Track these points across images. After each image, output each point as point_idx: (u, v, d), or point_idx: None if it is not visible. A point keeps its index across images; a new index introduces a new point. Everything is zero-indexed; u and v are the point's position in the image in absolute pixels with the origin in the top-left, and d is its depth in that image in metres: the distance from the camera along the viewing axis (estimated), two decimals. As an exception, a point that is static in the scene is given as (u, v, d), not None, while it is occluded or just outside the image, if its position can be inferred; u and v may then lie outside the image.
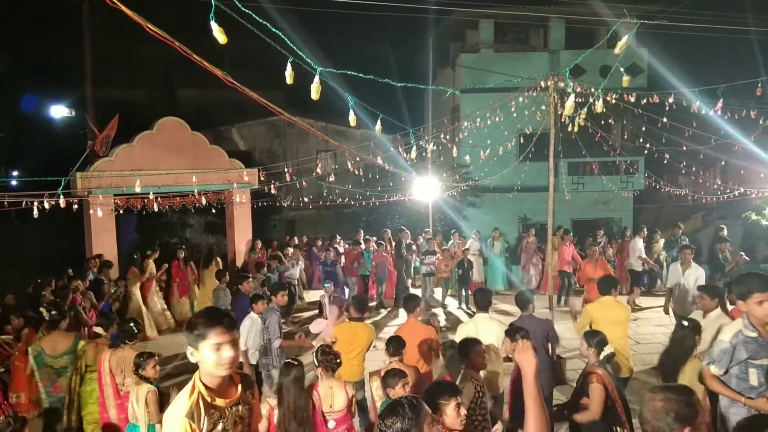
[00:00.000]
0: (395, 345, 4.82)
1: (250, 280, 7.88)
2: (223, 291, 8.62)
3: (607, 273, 9.20)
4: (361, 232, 13.32)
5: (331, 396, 4.23)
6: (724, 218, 16.94)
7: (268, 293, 7.08)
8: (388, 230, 13.81)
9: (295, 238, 12.98)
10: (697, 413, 2.21)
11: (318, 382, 4.36)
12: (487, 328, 5.40)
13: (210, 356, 2.33)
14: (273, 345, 6.45)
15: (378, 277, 12.15)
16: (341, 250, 12.87)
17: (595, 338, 4.33)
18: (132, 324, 5.38)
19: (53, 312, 5.93)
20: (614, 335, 5.14)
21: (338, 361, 4.38)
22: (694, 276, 7.66)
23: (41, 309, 6.64)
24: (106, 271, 9.79)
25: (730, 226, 15.31)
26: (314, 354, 4.45)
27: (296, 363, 4.22)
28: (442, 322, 11.00)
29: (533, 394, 2.36)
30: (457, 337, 5.36)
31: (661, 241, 12.98)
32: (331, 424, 4.20)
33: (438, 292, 12.59)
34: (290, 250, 12.21)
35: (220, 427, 2.38)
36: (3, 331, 7.12)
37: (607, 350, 4.28)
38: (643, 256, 12.10)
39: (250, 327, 6.41)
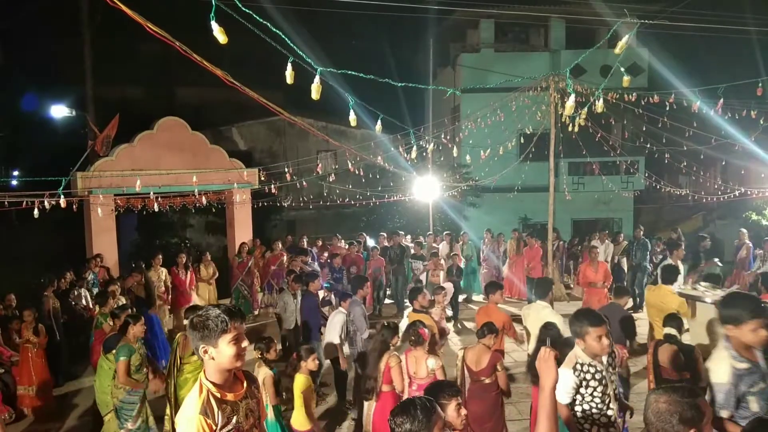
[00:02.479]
0: (485, 328, 5.04)
1: (319, 278, 7.87)
2: (288, 294, 8.16)
3: (607, 276, 9.10)
4: (338, 236, 13.15)
5: (414, 364, 4.75)
6: (724, 218, 16.94)
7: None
8: (364, 234, 13.52)
9: (278, 242, 12.53)
10: (702, 415, 2.13)
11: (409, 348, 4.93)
12: (536, 315, 5.72)
13: (230, 349, 2.37)
14: (361, 336, 6.50)
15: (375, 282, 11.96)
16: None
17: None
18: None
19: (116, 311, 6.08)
20: (657, 322, 5.94)
21: (413, 337, 4.79)
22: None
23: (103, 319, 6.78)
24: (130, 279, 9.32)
25: (730, 226, 15.29)
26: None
27: (389, 327, 5.05)
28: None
29: (547, 408, 2.27)
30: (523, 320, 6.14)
31: (624, 243, 12.79)
32: (414, 386, 4.70)
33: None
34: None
35: (234, 420, 2.41)
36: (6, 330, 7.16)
37: (666, 330, 4.95)
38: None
39: (342, 321, 6.48)
